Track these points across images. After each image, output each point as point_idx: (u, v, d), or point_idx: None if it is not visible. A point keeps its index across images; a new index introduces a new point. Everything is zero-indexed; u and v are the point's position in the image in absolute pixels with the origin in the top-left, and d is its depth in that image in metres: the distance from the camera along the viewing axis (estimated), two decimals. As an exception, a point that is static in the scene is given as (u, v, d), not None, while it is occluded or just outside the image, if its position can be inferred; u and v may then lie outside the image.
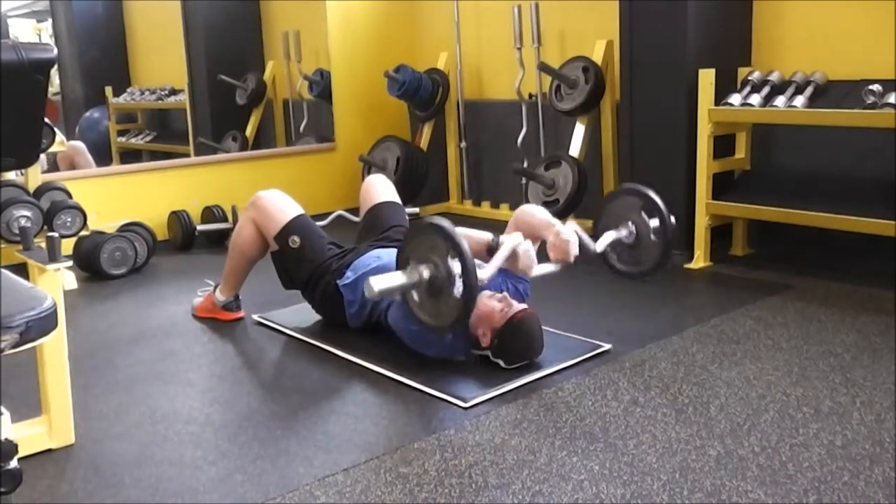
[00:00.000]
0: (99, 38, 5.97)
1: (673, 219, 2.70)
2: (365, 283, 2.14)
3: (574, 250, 2.52)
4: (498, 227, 4.63)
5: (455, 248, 2.11)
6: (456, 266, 2.11)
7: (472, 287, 2.10)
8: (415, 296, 2.24)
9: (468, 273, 2.08)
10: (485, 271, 2.29)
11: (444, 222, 2.16)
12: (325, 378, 2.62)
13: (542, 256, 2.57)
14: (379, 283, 2.14)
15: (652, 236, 2.69)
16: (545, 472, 1.94)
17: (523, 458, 2.01)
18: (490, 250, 2.51)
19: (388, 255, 2.90)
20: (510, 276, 2.80)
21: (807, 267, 3.61)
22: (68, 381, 2.16)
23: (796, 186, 3.64)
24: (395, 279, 2.17)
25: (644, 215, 2.70)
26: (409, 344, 2.63)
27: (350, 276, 2.88)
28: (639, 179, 4.00)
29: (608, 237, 2.69)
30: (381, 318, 2.79)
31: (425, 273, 2.16)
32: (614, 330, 2.88)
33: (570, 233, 2.54)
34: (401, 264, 2.25)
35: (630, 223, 2.72)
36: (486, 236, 2.57)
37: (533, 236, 2.64)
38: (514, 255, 2.43)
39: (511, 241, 2.44)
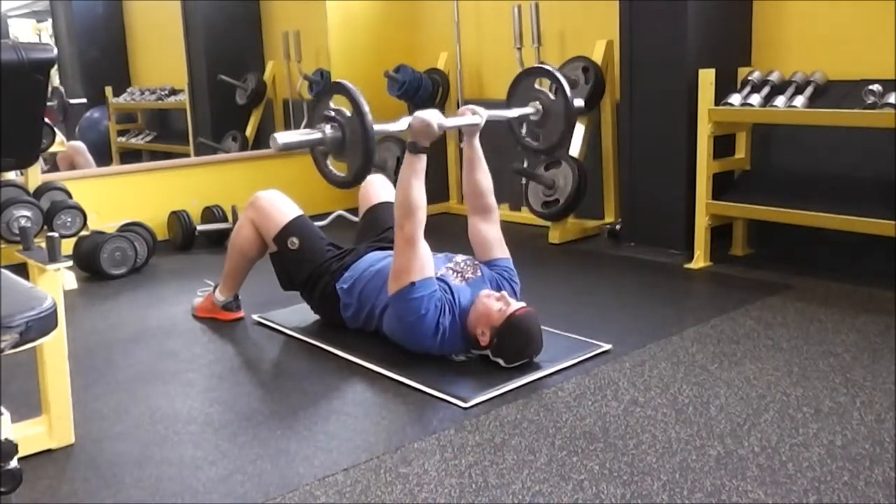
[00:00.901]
0: (99, 38, 5.97)
1: (580, 101, 2.91)
2: (270, 138, 2.28)
3: (480, 110, 2.78)
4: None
5: (351, 99, 2.23)
6: (356, 120, 2.27)
7: (370, 129, 2.26)
8: (324, 154, 2.38)
9: (366, 127, 2.22)
10: (397, 125, 2.55)
11: (344, 81, 2.31)
12: (325, 378, 2.62)
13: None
14: (284, 137, 2.26)
15: (556, 113, 2.88)
16: (545, 472, 1.94)
17: (523, 458, 2.01)
18: (412, 147, 2.67)
19: (387, 257, 2.90)
20: (495, 267, 2.79)
21: (807, 267, 3.61)
22: (68, 381, 2.16)
23: (796, 186, 3.64)
24: (301, 134, 2.31)
25: (550, 94, 2.89)
26: (407, 343, 2.62)
27: (348, 278, 2.87)
28: (639, 179, 4.03)
29: (517, 111, 2.93)
30: (378, 327, 2.78)
31: (328, 129, 2.28)
32: (614, 330, 2.88)
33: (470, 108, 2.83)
34: (310, 124, 2.37)
35: (537, 102, 2.92)
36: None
37: (484, 211, 2.86)
38: (416, 116, 2.62)
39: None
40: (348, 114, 2.26)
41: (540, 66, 3.03)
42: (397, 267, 2.56)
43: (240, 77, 5.84)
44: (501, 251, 2.84)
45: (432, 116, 2.61)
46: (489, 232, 2.84)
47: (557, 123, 2.87)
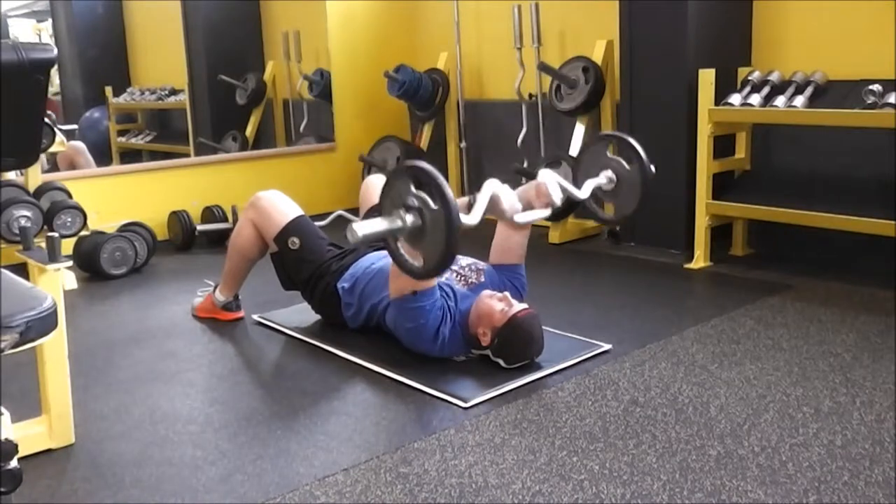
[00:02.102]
0: (99, 38, 5.97)
1: (652, 167, 2.65)
2: (348, 229, 2.10)
3: (555, 190, 2.48)
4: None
5: (435, 187, 2.05)
6: (437, 206, 2.04)
7: (454, 218, 2.03)
8: (400, 242, 2.18)
9: (447, 203, 2.02)
10: (471, 217, 2.26)
11: (422, 162, 2.12)
12: (325, 378, 2.62)
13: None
14: (362, 229, 2.10)
15: (631, 182, 2.63)
16: (545, 472, 1.94)
17: (523, 458, 2.01)
18: (470, 207, 2.46)
19: (387, 257, 2.90)
20: (506, 273, 2.80)
21: (807, 267, 3.61)
22: (68, 381, 2.16)
23: (796, 186, 3.64)
24: (378, 224, 2.14)
25: (623, 161, 2.65)
26: (407, 343, 2.63)
27: (349, 278, 2.88)
28: (639, 179, 4.02)
29: (590, 184, 2.64)
30: (381, 321, 2.79)
31: (408, 217, 2.10)
32: (614, 330, 2.88)
33: (547, 177, 2.52)
34: (383, 210, 2.22)
35: (609, 170, 2.66)
36: (464, 199, 2.48)
37: (522, 203, 2.62)
38: (494, 200, 2.38)
39: (487, 186, 2.35)
40: (432, 204, 2.11)
41: (612, 133, 2.75)
42: (397, 270, 2.53)
43: (240, 77, 5.84)
44: (521, 259, 2.84)
45: (513, 206, 2.42)
46: (518, 240, 2.82)
47: (633, 193, 2.62)
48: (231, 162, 5.28)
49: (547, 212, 2.51)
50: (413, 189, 2.09)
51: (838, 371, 2.48)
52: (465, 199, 2.49)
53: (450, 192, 2.02)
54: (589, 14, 4.52)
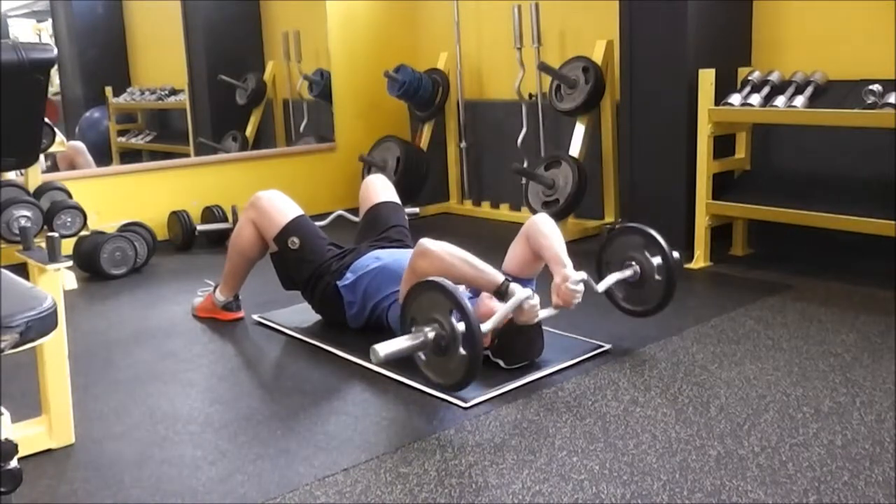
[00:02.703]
0: (99, 38, 5.97)
1: (676, 254, 2.70)
2: (371, 351, 2.15)
3: (578, 300, 2.51)
4: (497, 226, 4.66)
5: (458, 308, 2.13)
6: (460, 325, 2.13)
7: (477, 347, 2.13)
8: (422, 356, 2.27)
9: (472, 333, 2.11)
10: (487, 324, 2.31)
11: (445, 281, 2.18)
12: (325, 378, 2.62)
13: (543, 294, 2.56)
14: (385, 349, 2.16)
15: (656, 275, 2.70)
16: (545, 472, 1.94)
17: (523, 458, 2.01)
18: (498, 293, 2.45)
19: (388, 255, 2.90)
20: (515, 281, 2.79)
21: (807, 267, 3.61)
22: (68, 381, 2.16)
23: (796, 186, 3.64)
24: (401, 343, 2.20)
25: (647, 253, 2.71)
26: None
27: (350, 276, 2.88)
28: (639, 179, 4.03)
29: (612, 279, 2.71)
30: (384, 319, 2.79)
31: (430, 334, 2.19)
32: (614, 330, 2.88)
33: (579, 283, 2.50)
34: (406, 326, 2.27)
35: (633, 262, 2.73)
36: (496, 277, 2.47)
37: (539, 258, 2.65)
38: (519, 308, 2.41)
39: (520, 294, 2.39)
40: (454, 322, 2.14)
41: (632, 225, 2.77)
42: (412, 275, 2.51)
43: (240, 77, 5.84)
44: (535, 273, 2.82)
45: (535, 314, 2.45)
46: (540, 265, 2.77)
47: (658, 283, 2.68)
48: (231, 162, 5.28)
49: (557, 312, 2.55)
50: (437, 305, 2.17)
51: (838, 371, 2.48)
52: (492, 278, 2.47)
53: (470, 308, 2.12)
54: (589, 14, 4.52)
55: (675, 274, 2.68)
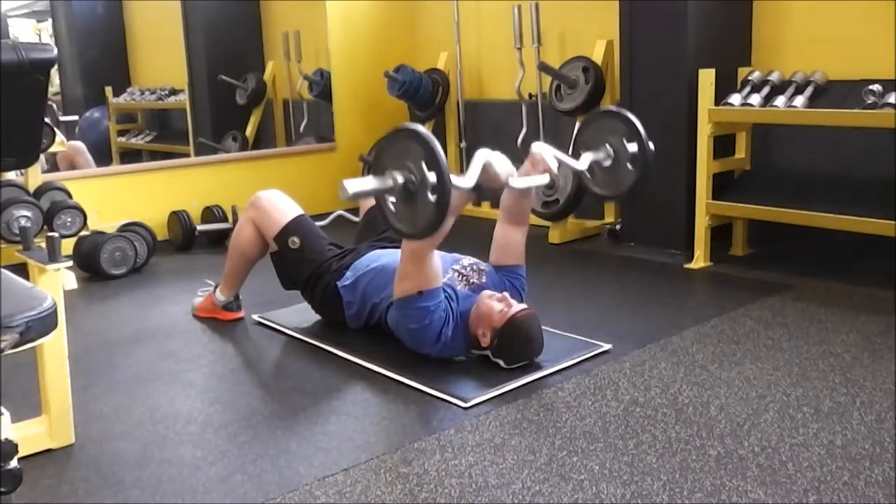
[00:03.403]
0: (99, 38, 5.97)
1: (652, 145, 2.65)
2: (339, 185, 2.11)
3: (550, 159, 2.51)
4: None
5: (429, 152, 2.07)
6: (430, 172, 2.06)
7: (446, 190, 2.06)
8: (390, 201, 2.19)
9: (442, 176, 2.05)
10: (465, 180, 2.25)
11: (420, 127, 2.13)
12: (325, 378, 2.62)
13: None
14: (353, 186, 2.11)
15: (629, 162, 2.62)
16: (545, 472, 1.94)
17: (523, 458, 2.01)
18: (477, 191, 2.46)
19: (388, 255, 2.90)
20: (506, 274, 2.80)
21: (807, 267, 3.61)
22: (68, 381, 2.16)
23: (796, 186, 3.64)
24: (369, 183, 2.15)
25: (624, 140, 2.63)
26: (409, 344, 2.63)
27: (349, 276, 2.88)
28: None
29: (588, 157, 2.64)
30: (382, 320, 2.79)
31: (399, 178, 2.12)
32: (614, 330, 2.88)
33: (542, 147, 2.55)
34: (376, 169, 2.23)
35: (608, 146, 2.65)
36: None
37: (516, 223, 2.76)
38: (487, 166, 2.37)
39: (480, 153, 2.37)
40: (424, 167, 2.13)
41: (610, 108, 2.76)
42: (404, 272, 2.52)
43: (240, 77, 5.84)
44: (521, 259, 2.84)
45: (504, 169, 2.44)
46: (517, 239, 2.82)
47: (630, 170, 2.62)
48: (231, 162, 5.28)
49: (545, 178, 2.53)
50: (408, 151, 2.11)
51: (838, 371, 2.48)
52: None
53: (443, 155, 2.05)
54: (589, 14, 4.52)
55: (650, 162, 2.61)
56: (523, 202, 2.79)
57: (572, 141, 2.75)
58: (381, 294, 2.76)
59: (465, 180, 2.27)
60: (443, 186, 2.05)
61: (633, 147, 2.59)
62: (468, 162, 5.44)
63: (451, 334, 2.55)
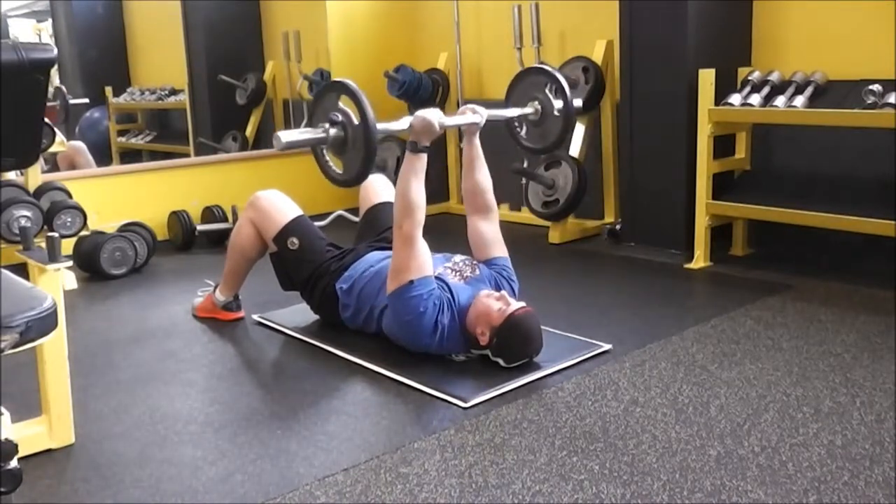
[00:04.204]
0: (99, 38, 5.97)
1: (579, 102, 2.92)
2: (273, 137, 2.28)
3: (480, 109, 2.81)
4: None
5: (354, 99, 2.23)
6: (357, 118, 2.27)
7: (373, 135, 2.25)
8: (324, 151, 2.37)
9: (367, 116, 2.22)
10: (398, 123, 2.55)
11: (345, 80, 2.31)
12: (325, 378, 2.62)
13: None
14: (287, 136, 2.27)
15: (556, 113, 2.88)
16: (545, 472, 1.94)
17: (523, 458, 2.01)
18: (412, 147, 2.67)
19: (386, 258, 2.90)
20: (493, 266, 2.79)
21: (807, 267, 3.61)
22: (68, 381, 2.16)
23: (796, 186, 3.64)
24: (304, 133, 2.31)
25: (549, 94, 2.88)
26: (407, 341, 2.62)
27: (347, 278, 2.87)
28: (639, 179, 4.03)
29: (516, 110, 2.94)
30: (378, 329, 2.78)
31: (332, 129, 2.29)
32: (614, 330, 2.88)
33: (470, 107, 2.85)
34: (311, 122, 2.36)
35: (536, 101, 2.91)
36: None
37: (484, 211, 2.87)
38: (418, 114, 2.60)
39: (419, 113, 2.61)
40: (351, 114, 2.27)
41: (539, 66, 3.05)
42: (396, 265, 2.56)
43: (240, 77, 5.84)
44: (500, 250, 2.85)
45: (433, 115, 2.61)
46: (488, 230, 2.85)
47: (556, 124, 2.88)
48: (231, 162, 5.28)
49: (475, 118, 2.79)
50: (337, 103, 2.30)
51: (838, 371, 2.48)
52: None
53: (370, 108, 2.25)
54: (589, 14, 4.52)
55: (573, 117, 2.91)
56: (478, 180, 2.89)
57: (505, 100, 3.00)
58: (378, 297, 2.76)
59: (399, 123, 2.52)
60: (369, 134, 2.25)
61: (558, 102, 2.85)
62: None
63: (448, 324, 2.54)
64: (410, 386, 2.46)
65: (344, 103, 2.37)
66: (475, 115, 2.80)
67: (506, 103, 2.98)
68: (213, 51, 5.81)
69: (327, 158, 2.38)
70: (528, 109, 2.91)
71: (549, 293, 3.35)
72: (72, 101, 5.17)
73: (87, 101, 5.58)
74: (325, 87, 2.38)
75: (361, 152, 2.25)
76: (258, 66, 5.93)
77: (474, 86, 5.25)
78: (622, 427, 2.16)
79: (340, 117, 2.29)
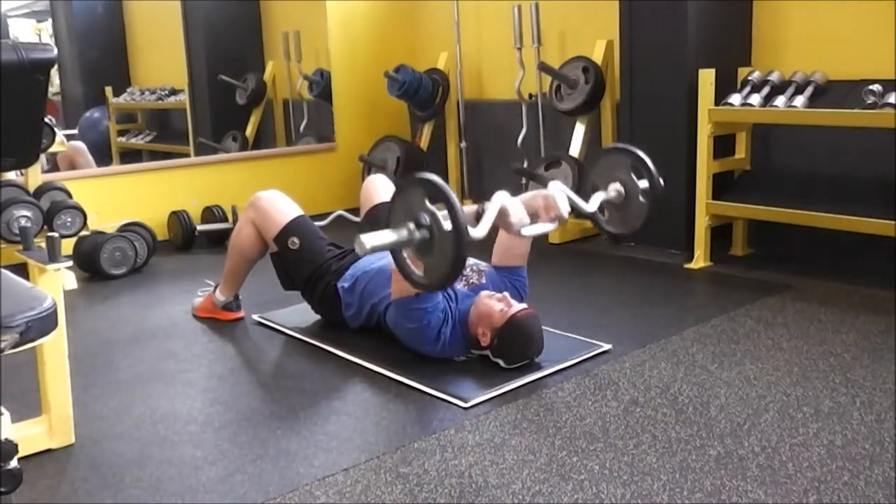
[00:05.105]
0: (99, 38, 5.97)
1: (662, 181, 2.59)
2: (356, 241, 2.09)
3: (563, 205, 2.46)
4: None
5: (444, 200, 2.04)
6: (447, 223, 2.03)
7: (463, 239, 2.02)
8: (407, 253, 2.18)
9: (458, 224, 2.01)
10: (478, 230, 2.25)
11: (432, 175, 2.10)
12: (325, 378, 2.62)
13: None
14: (370, 240, 2.10)
15: (640, 197, 2.58)
16: (545, 472, 1.94)
17: (523, 458, 2.01)
18: (479, 217, 2.38)
19: (388, 256, 2.90)
20: (507, 275, 2.80)
21: (807, 267, 3.61)
22: (68, 381, 2.16)
23: (796, 186, 3.64)
24: (386, 236, 2.14)
25: (633, 175, 2.59)
26: (408, 342, 2.63)
27: (349, 277, 2.88)
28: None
29: (598, 197, 2.60)
30: (381, 321, 2.79)
31: (416, 230, 2.10)
32: (614, 330, 2.88)
33: (557, 191, 2.48)
34: (392, 221, 2.21)
35: (618, 183, 2.61)
36: (471, 207, 2.46)
37: (530, 214, 2.61)
38: (503, 213, 2.35)
39: (497, 199, 2.34)
40: (439, 217, 2.09)
41: (621, 145, 2.73)
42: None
43: (240, 77, 5.83)
44: (523, 261, 2.83)
45: (521, 220, 2.39)
46: (522, 245, 2.81)
47: (641, 207, 2.57)
48: (231, 162, 5.28)
49: (554, 225, 2.47)
50: (424, 202, 2.08)
51: (838, 371, 2.48)
52: (472, 208, 2.47)
53: (460, 207, 2.01)
54: (589, 14, 4.52)
55: (659, 197, 2.55)
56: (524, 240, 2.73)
57: (582, 179, 2.72)
58: (380, 294, 2.76)
59: (479, 230, 2.26)
60: (460, 239, 2.01)
61: (643, 183, 2.54)
62: (468, 162, 5.47)
63: (449, 334, 2.55)
64: (410, 386, 2.46)
65: (429, 201, 2.11)
66: (554, 224, 2.47)
67: (583, 185, 2.71)
68: (213, 51, 5.81)
69: (405, 256, 2.22)
70: (610, 194, 2.60)
71: (549, 293, 3.35)
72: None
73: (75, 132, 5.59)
74: (410, 182, 2.18)
75: (449, 258, 2.09)
76: (258, 66, 5.93)
77: (474, 86, 5.25)
78: (622, 427, 2.16)
79: (428, 220, 2.13)
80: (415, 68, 5.10)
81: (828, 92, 3.52)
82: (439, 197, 2.04)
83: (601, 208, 2.58)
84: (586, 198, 2.57)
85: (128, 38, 6.01)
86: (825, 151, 3.70)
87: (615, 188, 2.57)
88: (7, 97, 1.88)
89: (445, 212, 2.03)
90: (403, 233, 2.09)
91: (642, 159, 2.55)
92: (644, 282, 3.61)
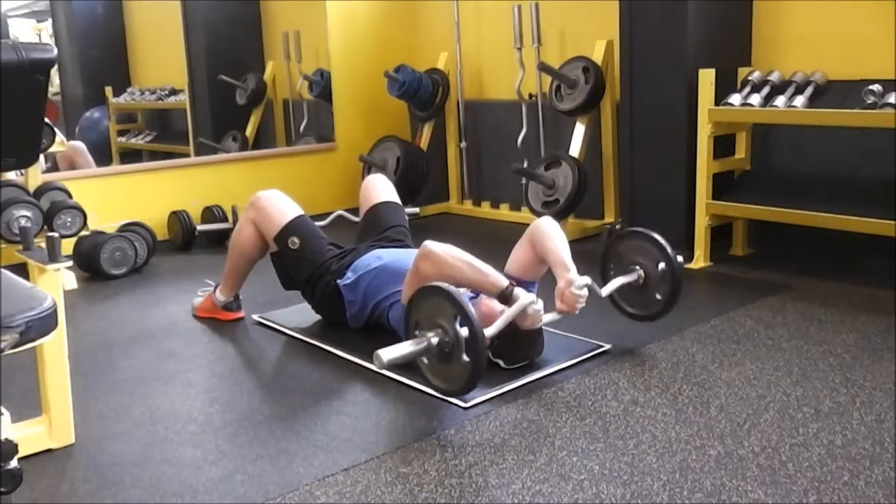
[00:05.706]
0: (99, 38, 5.97)
1: (680, 258, 2.70)
2: (374, 356, 2.15)
3: (582, 305, 2.51)
4: (497, 227, 4.66)
5: (462, 314, 2.13)
6: (464, 331, 2.12)
7: (481, 353, 2.13)
8: (425, 360, 2.27)
9: (476, 339, 2.11)
10: (491, 329, 2.31)
11: (449, 287, 2.18)
12: (325, 378, 2.62)
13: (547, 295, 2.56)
14: (388, 354, 2.16)
15: (660, 279, 2.69)
16: (545, 472, 1.94)
17: (523, 458, 2.01)
18: (502, 296, 2.44)
19: (388, 255, 2.90)
20: (517, 283, 2.79)
21: (807, 267, 3.61)
22: (68, 381, 2.16)
23: (796, 186, 3.64)
24: (404, 348, 2.20)
25: (651, 258, 2.71)
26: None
27: (350, 276, 2.88)
28: (639, 179, 4.03)
29: (616, 283, 2.72)
30: (384, 319, 2.79)
31: (433, 339, 2.19)
32: (614, 330, 2.88)
33: (583, 288, 2.50)
34: (409, 330, 2.27)
35: (638, 267, 2.74)
36: (500, 280, 2.46)
37: (543, 262, 2.64)
38: (523, 313, 2.41)
39: (524, 299, 2.40)
40: (458, 327, 2.13)
41: (637, 229, 2.80)
42: (416, 277, 2.51)
43: (240, 77, 5.84)
44: (538, 276, 2.82)
45: (535, 322, 2.47)
46: (542, 269, 2.77)
47: (661, 288, 2.68)
48: (231, 162, 5.28)
49: (560, 316, 2.55)
50: (439, 312, 2.17)
51: (838, 371, 2.48)
52: (497, 281, 2.45)
53: (475, 315, 2.11)
54: (589, 14, 4.52)
55: (680, 281, 2.67)
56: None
57: (600, 263, 2.83)
58: (383, 293, 2.76)
59: (492, 329, 2.32)
60: (477, 346, 2.10)
61: (662, 265, 2.66)
62: (468, 162, 5.46)
63: None
64: (410, 386, 2.45)
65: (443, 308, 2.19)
66: (559, 315, 2.54)
67: (602, 271, 2.79)
68: (213, 51, 5.81)
69: (427, 365, 2.27)
70: (631, 278, 2.71)
71: (549, 293, 3.35)
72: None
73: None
74: (422, 292, 2.24)
75: (468, 370, 2.15)
76: (258, 66, 5.93)
77: (474, 86, 5.25)
78: (622, 427, 2.16)
79: (445, 329, 2.16)
80: (415, 68, 5.10)
81: (828, 92, 3.52)
82: (456, 309, 2.13)
83: (623, 291, 2.74)
84: (605, 277, 2.74)
85: (128, 38, 6.01)
86: (825, 151, 3.70)
87: (635, 273, 2.73)
88: (7, 97, 1.89)
89: (460, 318, 2.13)
90: (422, 343, 2.19)
91: (659, 243, 2.69)
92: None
